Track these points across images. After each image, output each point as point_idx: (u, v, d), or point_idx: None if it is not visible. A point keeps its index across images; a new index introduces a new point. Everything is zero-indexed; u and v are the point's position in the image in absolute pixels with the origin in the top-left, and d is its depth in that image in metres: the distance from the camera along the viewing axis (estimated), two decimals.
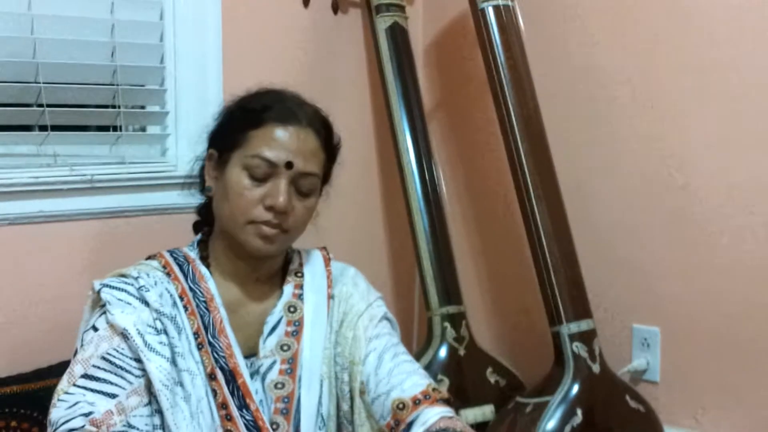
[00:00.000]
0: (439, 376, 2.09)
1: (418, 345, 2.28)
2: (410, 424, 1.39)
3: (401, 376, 1.45)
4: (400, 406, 1.41)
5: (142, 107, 2.06)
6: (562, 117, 2.22)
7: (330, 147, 1.52)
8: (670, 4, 2.06)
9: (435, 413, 1.39)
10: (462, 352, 2.15)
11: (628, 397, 2.03)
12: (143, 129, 2.07)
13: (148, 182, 1.95)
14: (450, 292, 2.18)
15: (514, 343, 2.42)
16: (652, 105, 2.11)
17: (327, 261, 1.60)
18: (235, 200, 1.41)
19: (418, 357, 2.12)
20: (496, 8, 2.11)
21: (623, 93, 2.16)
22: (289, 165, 1.42)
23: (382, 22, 2.29)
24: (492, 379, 2.17)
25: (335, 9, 2.33)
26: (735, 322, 2.01)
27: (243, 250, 1.46)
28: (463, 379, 2.13)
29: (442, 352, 2.13)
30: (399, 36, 2.29)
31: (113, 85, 1.94)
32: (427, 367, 2.09)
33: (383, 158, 2.42)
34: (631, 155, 2.15)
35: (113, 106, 1.95)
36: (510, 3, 2.13)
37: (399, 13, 2.31)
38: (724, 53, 1.98)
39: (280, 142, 1.42)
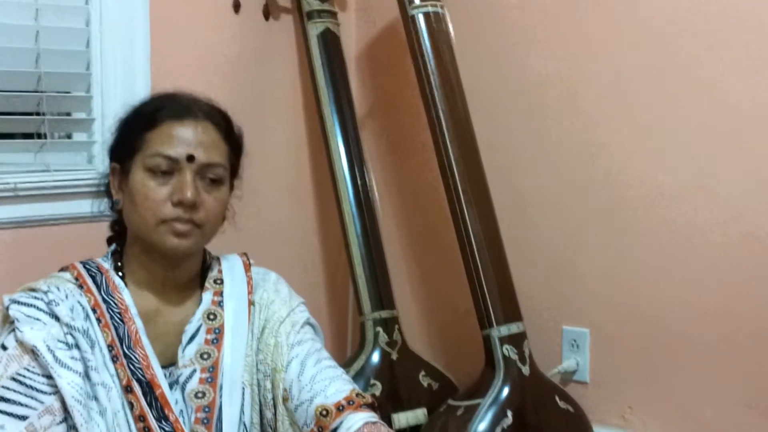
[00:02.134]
0: (372, 381, 2.10)
1: (353, 350, 2.29)
2: (334, 431, 1.39)
3: (324, 382, 1.44)
4: (324, 412, 1.41)
5: (68, 114, 2.04)
6: (493, 121, 2.25)
7: (232, 138, 1.50)
8: (601, 9, 2.10)
9: (359, 419, 1.39)
10: (395, 356, 2.16)
11: (557, 398, 2.05)
12: (69, 136, 2.04)
13: (74, 190, 1.92)
14: (382, 296, 2.19)
15: (447, 346, 2.44)
16: (582, 108, 2.14)
17: (247, 267, 1.58)
18: (142, 203, 1.40)
19: (350, 362, 2.13)
20: (426, 15, 2.12)
21: (553, 96, 2.19)
22: (190, 158, 1.41)
23: (314, 29, 2.29)
24: (425, 382, 2.18)
25: (266, 15, 2.33)
26: (660, 322, 2.05)
27: (159, 255, 1.44)
28: (395, 384, 2.14)
29: (375, 357, 2.14)
30: (331, 42, 2.30)
31: (38, 92, 1.92)
32: (360, 372, 2.10)
33: (316, 164, 2.42)
34: (562, 158, 2.19)
35: (38, 114, 1.93)
36: (440, 10, 2.15)
37: (331, 19, 2.32)
38: (653, 57, 2.02)
39: (178, 137, 1.41)
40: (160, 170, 1.40)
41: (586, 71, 2.13)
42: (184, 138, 1.41)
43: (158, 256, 1.45)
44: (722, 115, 1.93)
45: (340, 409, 1.41)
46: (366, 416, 1.40)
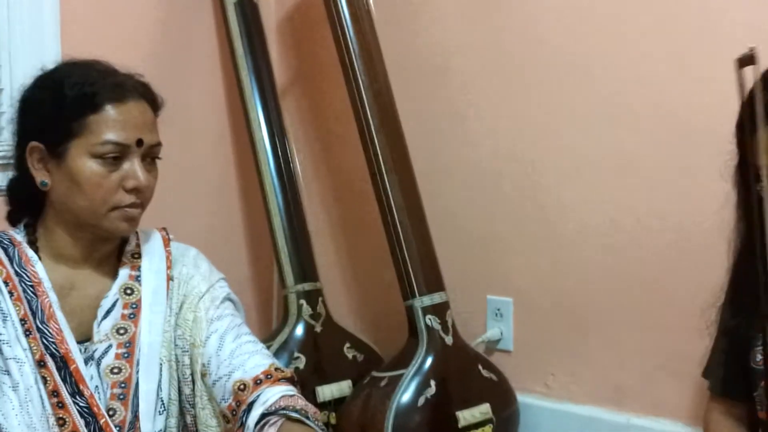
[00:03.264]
0: (296, 354, 2.08)
1: (278, 324, 2.26)
2: (251, 405, 1.37)
3: (243, 357, 1.43)
4: (241, 387, 1.39)
5: None
6: (414, 90, 2.23)
7: (157, 110, 1.47)
8: None
9: (276, 392, 1.38)
10: (319, 329, 2.14)
11: (480, 367, 2.07)
12: None
13: None
14: (305, 269, 2.17)
15: (372, 318, 2.43)
16: (503, 79, 2.14)
17: (166, 241, 1.55)
18: (92, 191, 1.36)
19: (274, 335, 2.11)
20: None
21: (474, 68, 2.18)
22: (139, 142, 1.38)
23: None
24: (349, 354, 2.17)
25: None
26: (582, 291, 2.07)
27: (96, 236, 1.41)
28: (320, 356, 2.12)
29: (299, 330, 2.12)
30: (249, 11, 2.25)
31: None
32: (283, 346, 2.08)
33: (237, 135, 2.38)
34: (483, 127, 2.18)
35: None
36: None
37: None
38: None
39: (124, 121, 1.37)
40: (109, 157, 1.36)
41: (506, 42, 2.13)
42: (131, 122, 1.38)
43: (92, 236, 1.42)
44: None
45: (257, 383, 1.39)
46: (284, 389, 1.39)
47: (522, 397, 2.14)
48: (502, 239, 2.18)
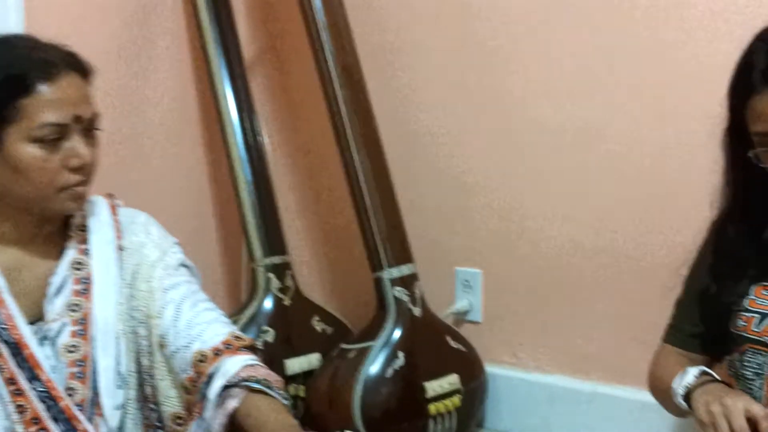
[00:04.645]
0: (264, 327, 2.08)
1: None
2: (211, 376, 1.35)
3: (201, 326, 1.40)
4: (201, 358, 1.37)
5: None
6: (383, 61, 2.22)
7: (89, 79, 1.41)
8: None
9: (236, 362, 1.35)
10: (287, 302, 2.14)
11: (449, 338, 2.08)
12: None
13: None
14: (274, 242, 2.16)
15: (342, 290, 2.43)
16: (481, 43, 2.12)
17: (114, 209, 1.49)
18: (37, 176, 1.32)
19: (242, 309, 2.11)
20: None
21: (448, 36, 2.16)
22: (78, 119, 1.34)
23: None
24: (318, 327, 2.17)
25: None
26: (550, 261, 2.08)
27: (44, 216, 1.38)
28: (289, 329, 2.12)
29: (267, 304, 2.11)
30: None
31: None
32: (252, 319, 2.08)
33: (204, 109, 2.36)
34: (453, 98, 2.18)
35: None
36: None
37: None
38: None
39: (59, 100, 1.32)
40: (49, 139, 1.32)
41: (474, 16, 2.11)
42: (66, 99, 1.32)
43: (39, 217, 1.38)
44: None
45: (217, 353, 1.37)
46: (245, 359, 1.37)
47: (490, 368, 2.16)
48: (470, 210, 2.18)
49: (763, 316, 1.37)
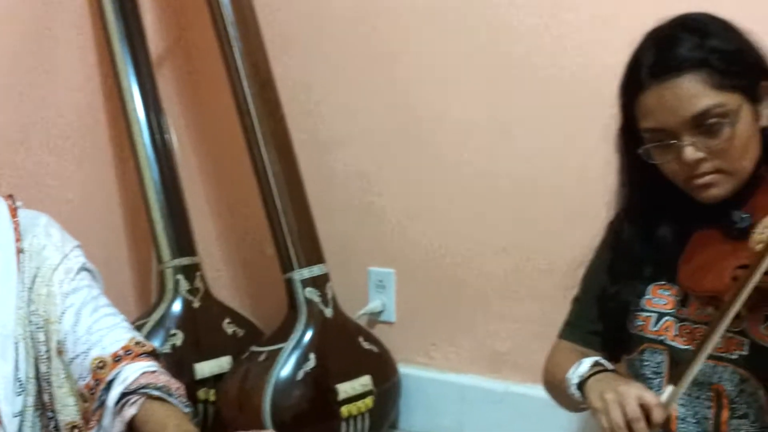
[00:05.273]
0: (173, 331, 2.04)
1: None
2: (110, 383, 1.31)
3: (101, 332, 1.37)
4: (100, 364, 1.33)
5: None
6: (293, 59, 2.20)
7: None
8: None
9: (136, 369, 1.32)
10: (197, 304, 2.10)
11: (361, 339, 2.06)
12: None
13: None
14: (183, 243, 2.12)
15: (254, 292, 2.40)
16: (385, 43, 2.11)
17: (13, 211, 1.45)
18: None
19: (149, 312, 2.06)
20: None
21: (354, 33, 2.15)
22: None
23: None
24: (229, 330, 2.13)
25: None
26: (462, 261, 2.08)
27: None
28: (198, 332, 2.08)
29: (176, 306, 2.07)
30: None
31: None
32: (160, 322, 2.03)
33: (111, 106, 2.29)
34: (363, 97, 2.16)
35: None
36: None
37: None
38: None
39: None
40: None
41: (380, 5, 2.10)
42: None
43: None
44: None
45: (117, 359, 1.34)
46: (144, 366, 1.34)
47: (404, 368, 2.15)
48: (382, 210, 2.17)
49: (661, 315, 1.39)
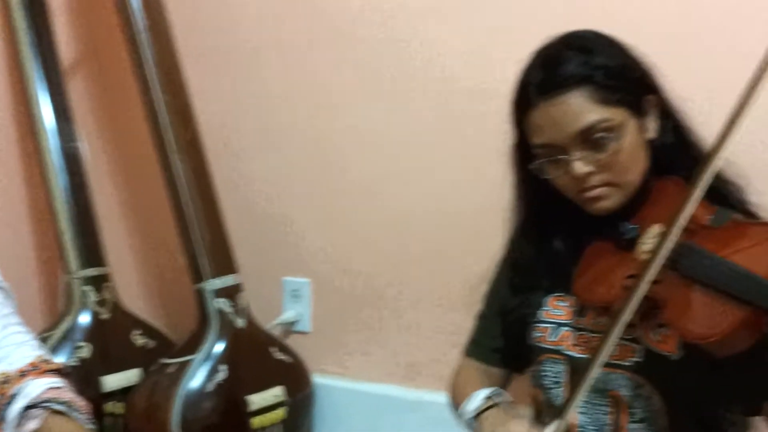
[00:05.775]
0: (80, 343, 2.00)
1: None
2: (13, 397, 1.29)
3: (9, 348, 1.34)
4: (5, 379, 1.31)
5: None
6: (206, 66, 2.18)
7: None
8: None
9: (41, 384, 1.30)
10: (105, 315, 2.07)
11: (274, 350, 2.05)
12: None
13: None
14: (91, 254, 2.08)
15: (167, 303, 2.37)
16: (298, 51, 2.10)
17: None
18: None
19: (56, 324, 2.01)
20: None
21: (268, 40, 2.14)
22: None
23: None
24: (139, 341, 2.10)
25: None
26: (377, 269, 2.08)
27: None
28: (107, 344, 2.05)
29: (84, 318, 2.03)
30: None
31: None
32: (66, 335, 2.00)
33: (18, 114, 2.24)
34: (276, 106, 2.15)
35: None
36: None
37: None
38: None
39: None
40: None
41: (296, 14, 2.09)
42: None
43: None
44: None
45: (22, 374, 1.32)
46: (50, 381, 1.32)
47: (319, 378, 2.14)
48: (297, 220, 2.16)
49: (558, 325, 1.41)
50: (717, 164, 1.21)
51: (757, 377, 1.21)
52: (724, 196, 1.37)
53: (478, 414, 1.37)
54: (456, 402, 1.52)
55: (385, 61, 2.00)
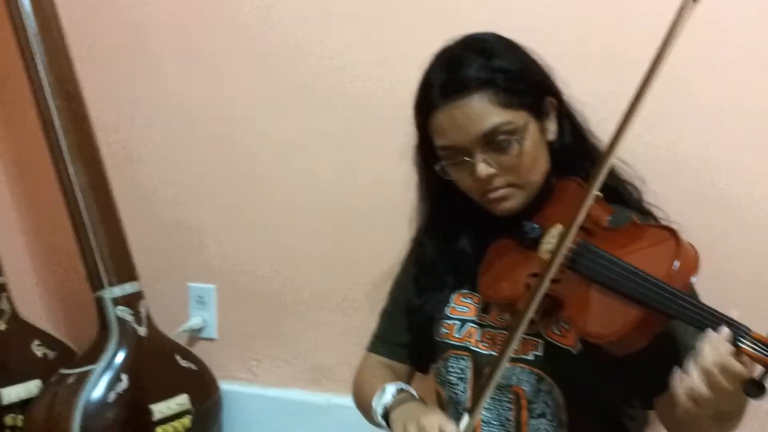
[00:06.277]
0: None
1: None
2: None
3: None
4: None
5: None
6: (102, 70, 2.12)
7: None
8: None
9: None
10: (3, 327, 2.01)
11: (178, 357, 2.01)
12: None
13: None
14: None
15: (68, 312, 2.30)
16: (198, 54, 2.07)
17: None
18: None
19: None
20: None
21: (168, 47, 2.10)
22: None
23: None
24: (39, 352, 2.04)
25: None
26: (285, 274, 2.06)
27: None
28: (5, 356, 1.99)
29: None
30: None
31: None
32: None
33: None
34: (178, 110, 2.11)
35: None
36: None
37: None
38: None
39: None
40: None
41: (198, 20, 2.06)
42: None
43: None
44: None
45: None
46: None
47: (227, 385, 2.11)
48: (202, 225, 2.13)
49: (463, 322, 1.43)
50: (610, 164, 1.24)
51: (651, 373, 1.24)
52: (623, 196, 1.41)
53: (390, 408, 1.36)
54: (361, 397, 1.52)
55: (289, 64, 1.98)
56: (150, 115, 2.14)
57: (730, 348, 1.05)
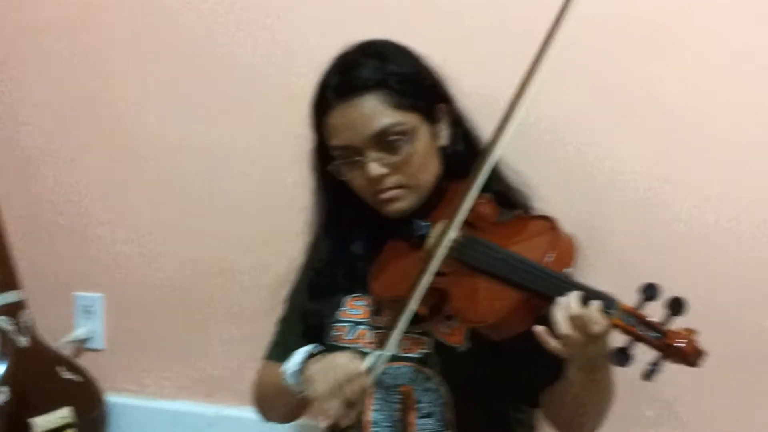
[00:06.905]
0: None
1: None
2: None
3: None
4: None
5: None
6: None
7: None
8: None
9: None
10: None
11: (62, 369, 1.97)
12: None
13: None
14: None
15: None
16: (98, 51, 2.02)
17: None
18: None
19: None
20: None
21: (66, 40, 2.05)
22: None
23: None
24: None
25: None
26: (171, 283, 2.02)
27: None
28: None
29: None
30: None
31: None
32: None
33: None
34: (74, 113, 2.06)
35: None
36: None
37: None
38: None
39: None
40: None
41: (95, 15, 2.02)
42: None
43: None
44: None
45: None
46: None
47: (113, 397, 2.06)
48: (90, 233, 2.08)
49: (355, 324, 1.43)
50: (491, 162, 1.30)
51: (535, 364, 1.27)
52: (511, 201, 1.45)
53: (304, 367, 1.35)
54: (266, 389, 1.51)
55: (185, 64, 1.95)
56: (37, 114, 2.08)
57: (579, 305, 1.14)
